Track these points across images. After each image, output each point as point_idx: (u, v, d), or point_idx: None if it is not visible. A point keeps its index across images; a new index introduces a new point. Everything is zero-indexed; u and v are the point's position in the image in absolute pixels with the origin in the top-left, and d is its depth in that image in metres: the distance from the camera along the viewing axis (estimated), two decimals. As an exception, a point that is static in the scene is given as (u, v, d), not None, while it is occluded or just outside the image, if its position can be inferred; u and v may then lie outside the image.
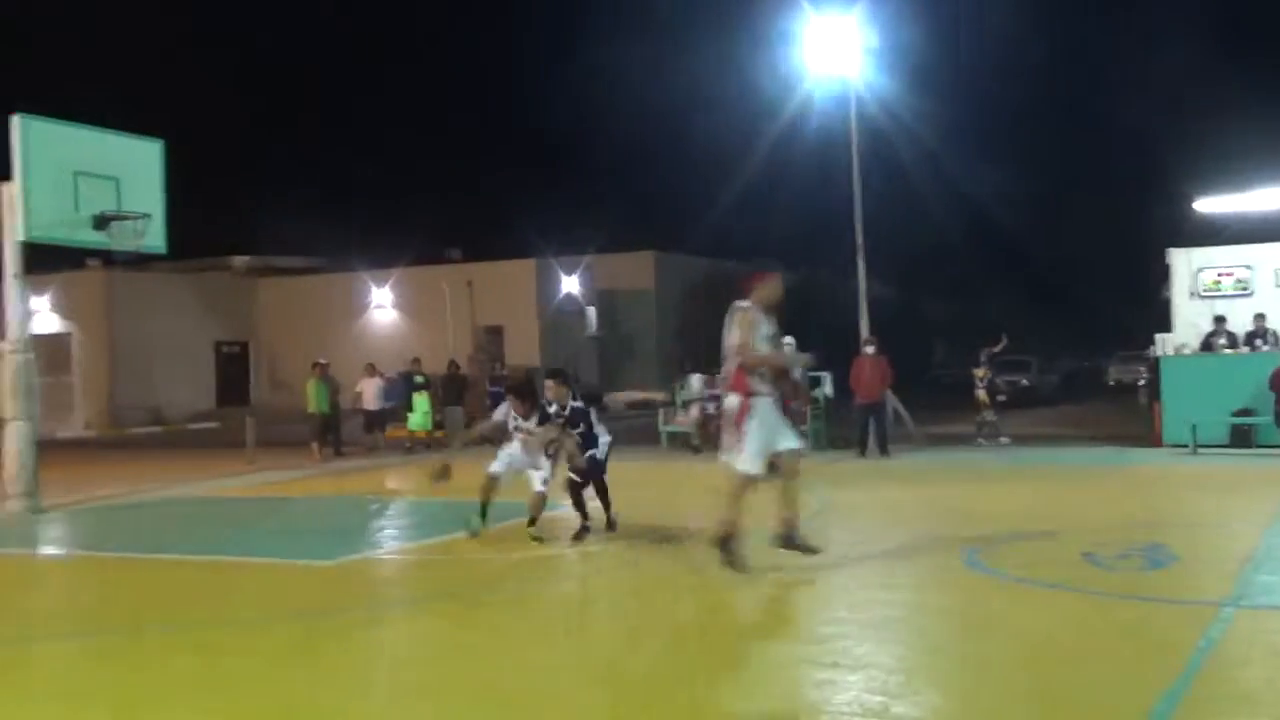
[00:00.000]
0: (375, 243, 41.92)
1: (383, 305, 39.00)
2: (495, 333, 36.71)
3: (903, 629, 7.35)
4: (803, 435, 9.21)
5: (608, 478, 10.57)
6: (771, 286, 8.60)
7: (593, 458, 10.32)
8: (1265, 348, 18.14)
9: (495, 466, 10.40)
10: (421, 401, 23.39)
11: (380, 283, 38.85)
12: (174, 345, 36.83)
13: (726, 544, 8.34)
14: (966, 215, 47.02)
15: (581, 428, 10.32)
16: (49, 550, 12.54)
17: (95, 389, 35.91)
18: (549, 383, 10.61)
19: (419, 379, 23.67)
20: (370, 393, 23.48)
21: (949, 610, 7.70)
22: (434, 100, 79.08)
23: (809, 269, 33.71)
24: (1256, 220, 21.10)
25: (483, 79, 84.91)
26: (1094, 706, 5.53)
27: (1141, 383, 24.67)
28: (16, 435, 14.28)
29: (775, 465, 8.46)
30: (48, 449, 15.90)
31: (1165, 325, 19.72)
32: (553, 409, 10.35)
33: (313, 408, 22.30)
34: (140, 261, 31.39)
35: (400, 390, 24.09)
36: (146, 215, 14.92)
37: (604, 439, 10.48)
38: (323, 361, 23.27)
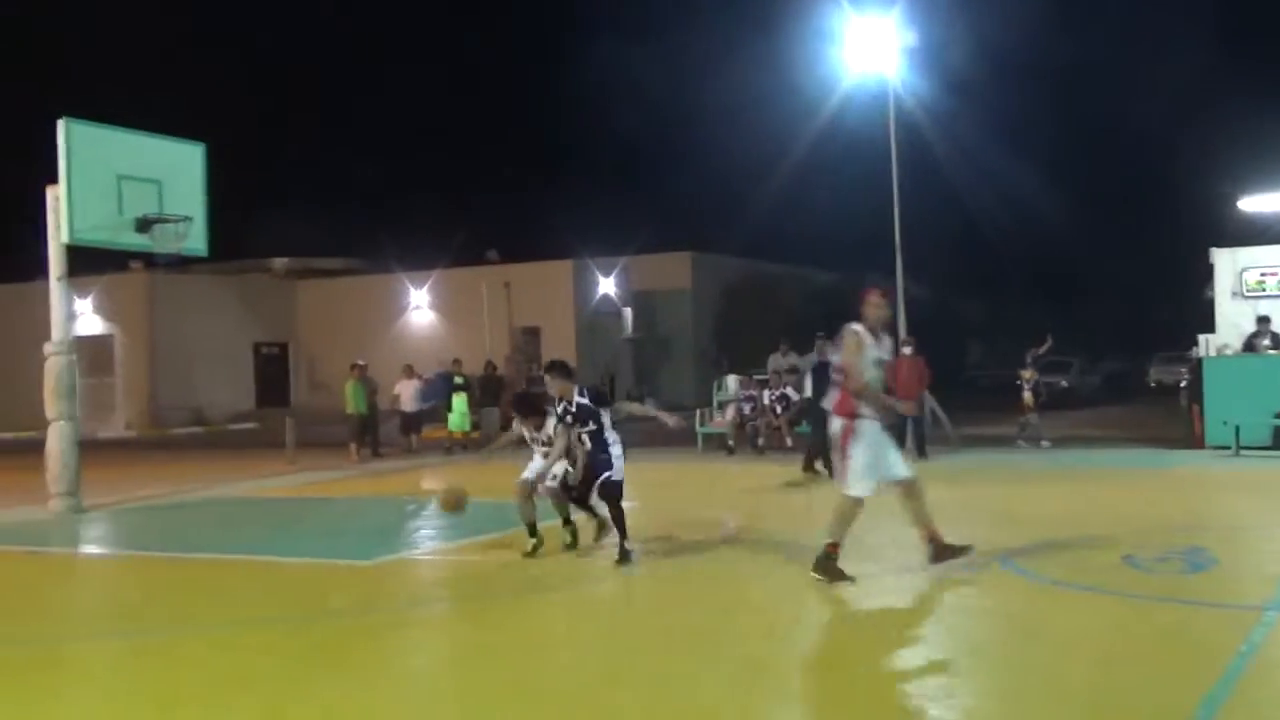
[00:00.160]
0: (414, 245, 42.06)
1: (420, 306, 39.11)
2: (532, 334, 36.75)
3: (941, 631, 7.32)
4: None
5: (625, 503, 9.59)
6: (873, 304, 8.51)
7: (608, 480, 9.42)
8: (1309, 349, 17.90)
9: (525, 475, 10.00)
10: (460, 402, 23.51)
11: (419, 284, 38.96)
12: (214, 346, 37.12)
13: (829, 562, 8.30)
14: (1005, 215, 46.63)
15: (591, 425, 9.49)
16: (90, 549, 12.70)
17: (137, 390, 36.28)
18: (548, 378, 9.72)
19: (459, 379, 23.81)
20: (407, 394, 23.62)
21: (987, 612, 7.66)
22: (476, 102, 79.38)
23: (851, 270, 33.48)
24: (1302, 220, 20.86)
25: (524, 80, 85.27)
26: (1133, 710, 5.48)
27: (1182, 384, 24.38)
28: (59, 435, 14.46)
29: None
30: (89, 449, 16.07)
31: (1208, 326, 19.51)
32: (560, 407, 9.58)
33: (351, 409, 22.42)
34: (181, 264, 31.85)
35: (440, 389, 24.21)
36: (188, 218, 15.05)
37: (616, 450, 9.51)
38: (361, 363, 23.41)
